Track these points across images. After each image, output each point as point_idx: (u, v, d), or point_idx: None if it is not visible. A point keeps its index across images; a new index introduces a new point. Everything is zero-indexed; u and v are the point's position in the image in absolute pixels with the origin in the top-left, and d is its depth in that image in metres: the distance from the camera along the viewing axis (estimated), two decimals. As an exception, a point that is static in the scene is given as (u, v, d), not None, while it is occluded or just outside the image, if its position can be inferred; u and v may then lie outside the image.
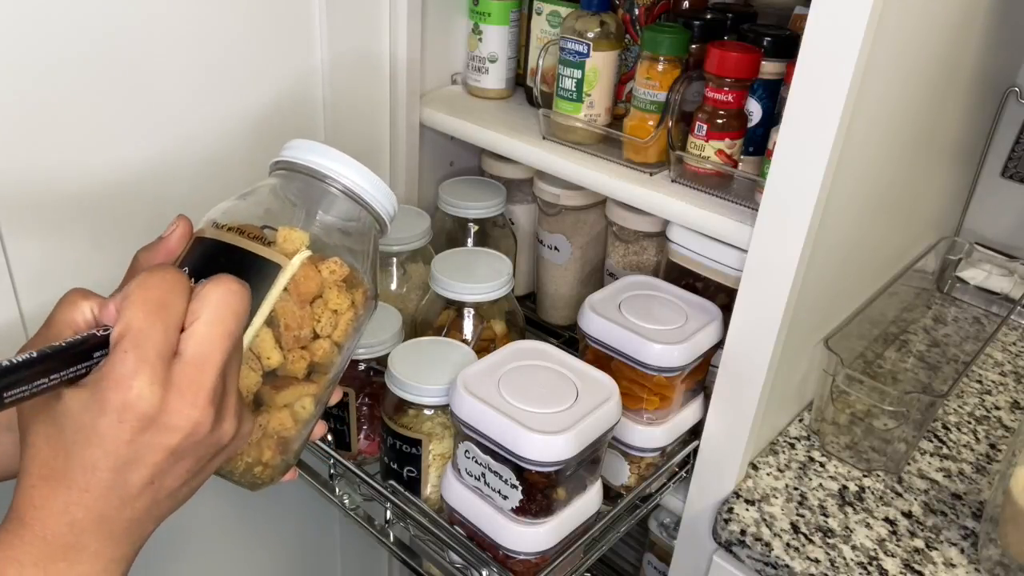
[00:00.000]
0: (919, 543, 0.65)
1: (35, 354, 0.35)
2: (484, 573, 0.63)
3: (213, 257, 0.45)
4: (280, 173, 0.50)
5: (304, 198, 0.49)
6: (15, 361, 0.34)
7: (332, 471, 0.73)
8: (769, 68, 0.66)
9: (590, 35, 0.73)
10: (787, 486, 0.69)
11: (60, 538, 0.37)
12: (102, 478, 0.37)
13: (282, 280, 0.45)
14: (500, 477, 0.60)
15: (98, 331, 0.38)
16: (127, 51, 0.62)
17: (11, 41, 0.55)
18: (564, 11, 0.80)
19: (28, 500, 0.37)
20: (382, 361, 0.70)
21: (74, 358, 0.37)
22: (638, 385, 0.68)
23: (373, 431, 0.76)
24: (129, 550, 0.39)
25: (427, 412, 0.67)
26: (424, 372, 0.66)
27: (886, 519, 0.67)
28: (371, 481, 0.69)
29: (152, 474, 0.38)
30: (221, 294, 0.39)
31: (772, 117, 0.67)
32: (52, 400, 0.37)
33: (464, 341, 0.74)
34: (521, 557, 0.61)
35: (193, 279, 0.42)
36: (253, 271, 0.44)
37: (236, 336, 0.39)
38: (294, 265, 0.45)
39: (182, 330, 0.38)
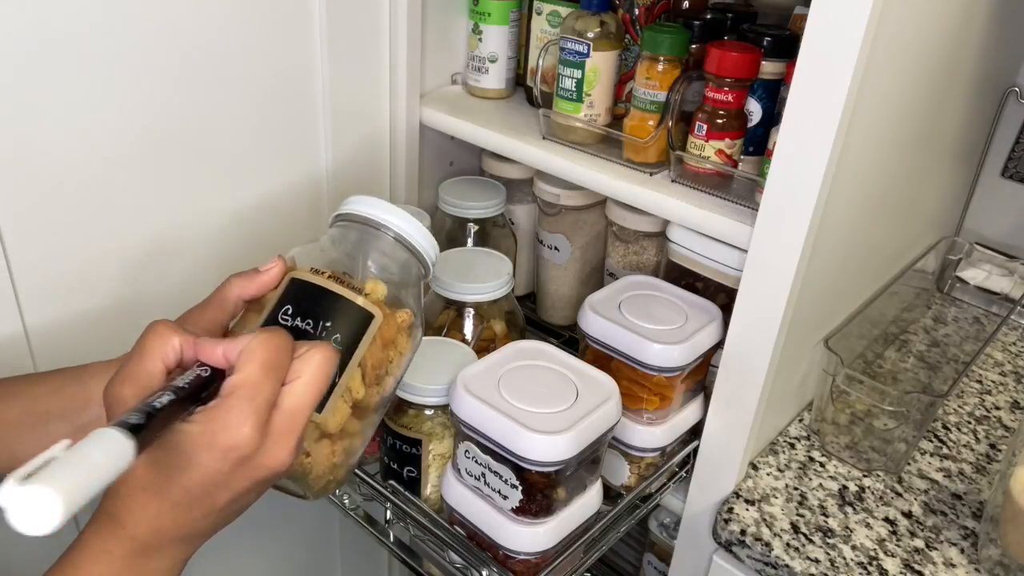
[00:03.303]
0: (919, 543, 0.65)
1: (173, 396, 0.42)
2: (484, 573, 0.63)
3: (316, 300, 0.52)
4: (340, 225, 0.57)
5: (361, 247, 0.56)
6: (160, 405, 0.41)
7: (332, 471, 0.73)
8: (769, 68, 0.66)
9: (590, 35, 0.73)
10: (787, 486, 0.69)
11: (146, 539, 0.44)
12: (194, 496, 0.43)
13: (374, 328, 0.52)
14: (500, 477, 0.60)
15: (200, 371, 0.45)
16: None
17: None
18: (564, 11, 0.80)
19: (126, 505, 0.43)
20: (382, 361, 0.70)
21: (190, 399, 0.43)
22: (638, 385, 0.68)
23: (373, 431, 0.76)
24: (192, 551, 0.47)
25: (427, 412, 0.67)
26: (424, 372, 0.66)
27: (886, 519, 0.67)
28: (371, 481, 0.69)
29: (234, 496, 0.44)
30: (322, 361, 0.46)
31: (772, 117, 0.67)
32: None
33: (464, 341, 0.74)
34: (521, 557, 0.61)
35: (292, 313, 0.51)
36: (350, 317, 0.52)
37: (323, 394, 0.47)
38: (381, 316, 0.52)
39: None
